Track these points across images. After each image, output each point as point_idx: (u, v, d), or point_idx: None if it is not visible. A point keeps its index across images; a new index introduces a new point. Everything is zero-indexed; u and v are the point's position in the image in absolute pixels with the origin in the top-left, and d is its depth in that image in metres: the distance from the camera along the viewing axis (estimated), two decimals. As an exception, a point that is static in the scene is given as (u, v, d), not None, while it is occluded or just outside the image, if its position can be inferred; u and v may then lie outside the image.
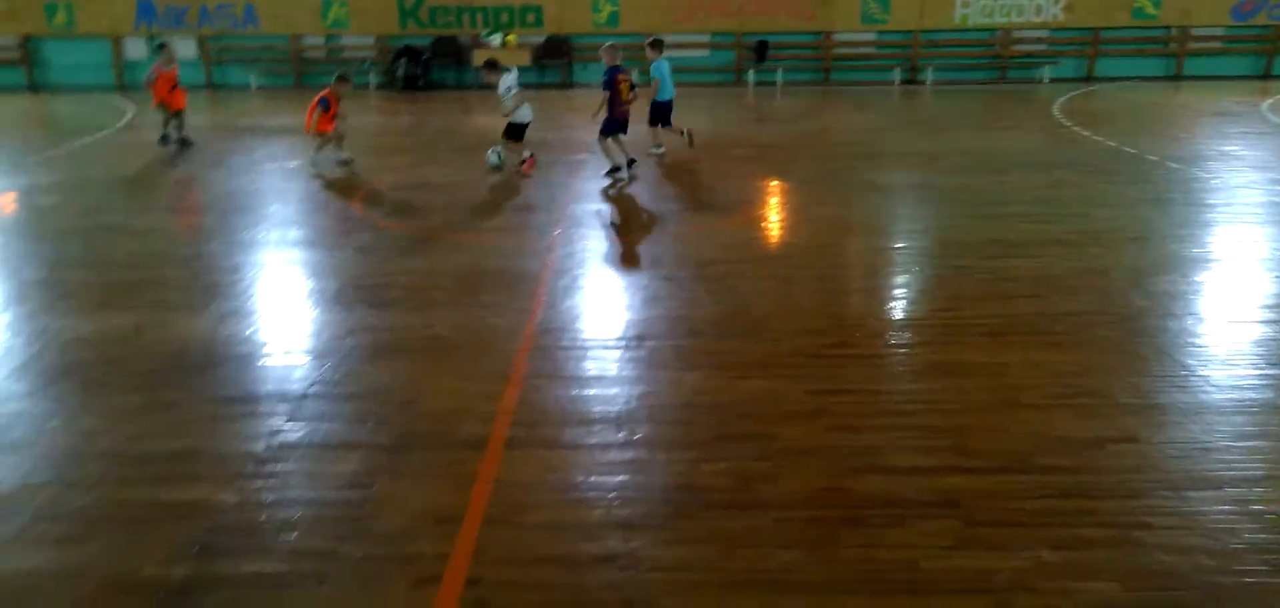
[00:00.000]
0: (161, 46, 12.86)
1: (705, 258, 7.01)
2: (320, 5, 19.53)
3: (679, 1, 19.91)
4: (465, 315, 5.81)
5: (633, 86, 10.32)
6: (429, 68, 19.64)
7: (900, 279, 6.66)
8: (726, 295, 6.15)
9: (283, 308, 6.05)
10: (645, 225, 8.22)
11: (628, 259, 7.09)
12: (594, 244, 7.47)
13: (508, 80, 10.31)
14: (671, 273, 6.64)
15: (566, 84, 19.94)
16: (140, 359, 5.11)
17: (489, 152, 10.81)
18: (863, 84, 19.91)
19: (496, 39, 19.77)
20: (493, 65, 10.48)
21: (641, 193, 9.55)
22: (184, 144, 12.35)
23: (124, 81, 19.58)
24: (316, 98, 10.64)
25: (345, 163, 10.84)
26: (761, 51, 20.23)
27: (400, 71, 19.42)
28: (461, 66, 19.94)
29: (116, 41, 19.53)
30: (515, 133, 10.50)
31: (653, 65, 11.44)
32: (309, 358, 5.12)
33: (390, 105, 17.32)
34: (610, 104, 10.26)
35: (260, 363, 5.07)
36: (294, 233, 8.01)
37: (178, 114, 12.34)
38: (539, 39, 19.95)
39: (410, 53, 19.45)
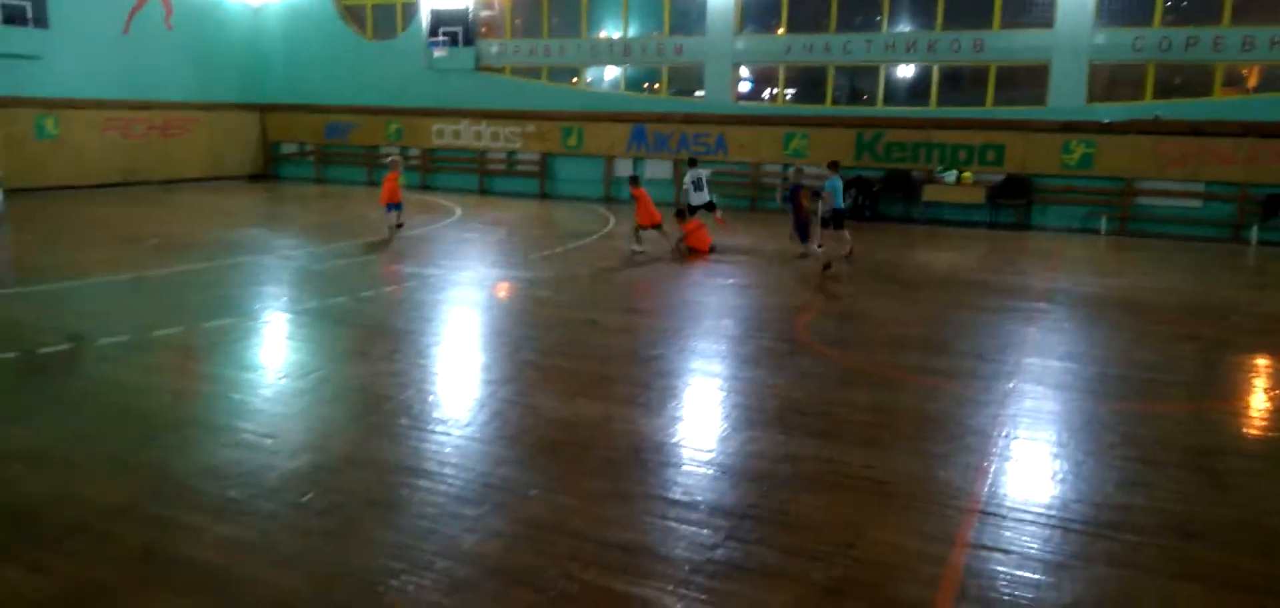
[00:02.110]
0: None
1: (1203, 445, 5.86)
2: (783, 138, 20.83)
3: (1169, 148, 17.65)
4: (908, 461, 5.50)
5: (815, 194, 13.60)
6: (877, 199, 19.78)
7: None
8: (1240, 499, 5.04)
9: (726, 420, 6.29)
10: (1119, 394, 7.16)
11: (1096, 429, 6.19)
12: (1051, 403, 6.68)
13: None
14: (1154, 456, 5.64)
15: (1022, 225, 18.67)
16: (606, 448, 5.63)
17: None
18: None
19: (951, 176, 19.38)
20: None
21: (1118, 359, 8.39)
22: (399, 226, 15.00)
23: (610, 193, 22.70)
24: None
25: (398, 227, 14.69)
26: (1272, 207, 16.99)
27: (848, 202, 19.82)
28: (910, 201, 19.76)
29: (608, 160, 22.78)
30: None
31: (827, 181, 14.13)
32: (749, 477, 5.21)
33: (835, 233, 17.68)
34: (795, 212, 13.69)
35: (705, 472, 5.28)
36: (740, 348, 8.39)
37: (395, 207, 14.77)
38: (998, 177, 19.04)
39: (861, 184, 19.78)
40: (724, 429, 6.08)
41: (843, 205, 14.46)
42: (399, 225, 15.05)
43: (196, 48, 24.38)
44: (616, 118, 22.61)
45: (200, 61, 24.56)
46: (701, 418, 6.37)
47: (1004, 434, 6.00)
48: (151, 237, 14.33)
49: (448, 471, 5.24)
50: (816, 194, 13.81)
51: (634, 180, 15.34)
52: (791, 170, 14.87)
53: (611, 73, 24.29)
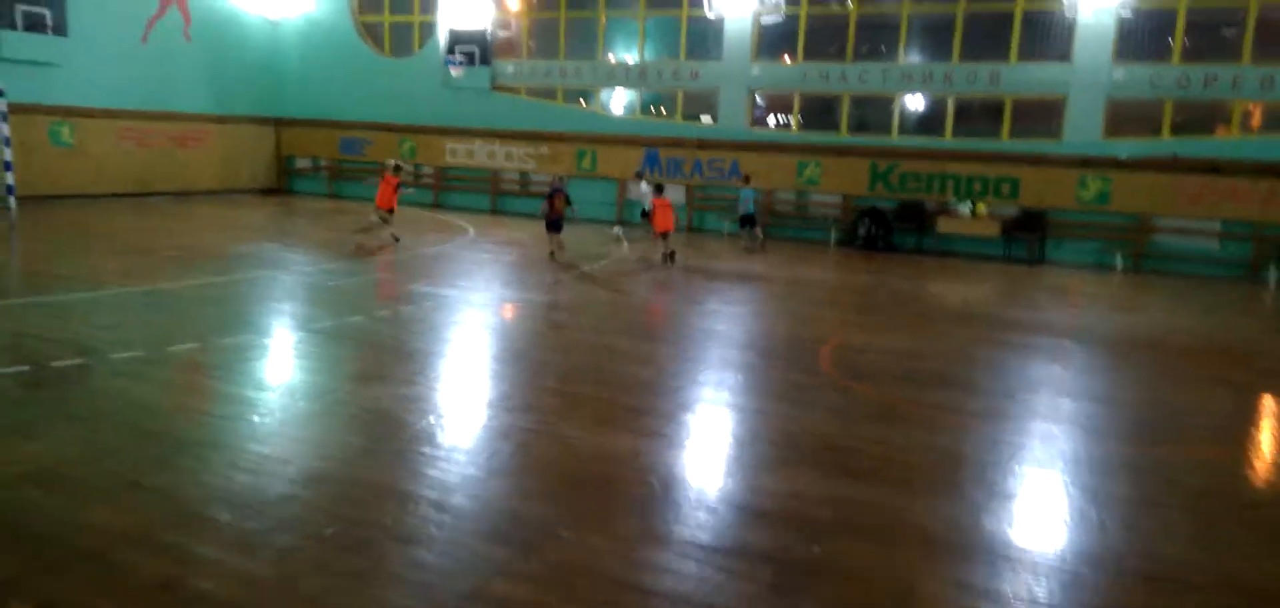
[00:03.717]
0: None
1: (1251, 497, 5.67)
2: (796, 165, 20.74)
3: (1186, 185, 17.53)
4: (950, 505, 5.33)
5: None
6: (892, 230, 19.66)
7: None
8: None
9: (759, 457, 6.12)
10: (1156, 438, 6.98)
11: (1140, 475, 6.01)
12: (1089, 447, 6.50)
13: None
14: (1203, 507, 5.46)
15: (1036, 259, 18.52)
16: (637, 484, 5.47)
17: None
18: None
19: (965, 208, 19.25)
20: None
21: (1150, 402, 8.22)
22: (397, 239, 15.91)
23: (623, 217, 22.60)
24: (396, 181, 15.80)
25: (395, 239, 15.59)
26: (1291, 247, 16.84)
27: (862, 231, 19.72)
28: (923, 232, 19.63)
29: (621, 184, 22.69)
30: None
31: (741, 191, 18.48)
32: (789, 520, 5.04)
33: (847, 262, 17.58)
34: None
35: (743, 514, 5.11)
36: (766, 379, 8.24)
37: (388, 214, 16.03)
38: (1012, 211, 18.92)
39: (874, 214, 19.68)
40: (758, 467, 5.91)
41: (752, 212, 18.46)
42: (396, 239, 15.88)
43: (214, 60, 24.42)
44: (630, 141, 22.56)
45: (217, 74, 24.59)
46: (734, 454, 6.20)
47: (1046, 480, 5.83)
48: (168, 248, 14.23)
49: (474, 505, 5.08)
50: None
51: (659, 189, 16.67)
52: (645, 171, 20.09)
53: (623, 96, 24.29)
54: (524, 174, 23.93)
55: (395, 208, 16.24)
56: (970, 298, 14.10)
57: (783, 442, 6.44)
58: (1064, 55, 18.68)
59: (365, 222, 17.35)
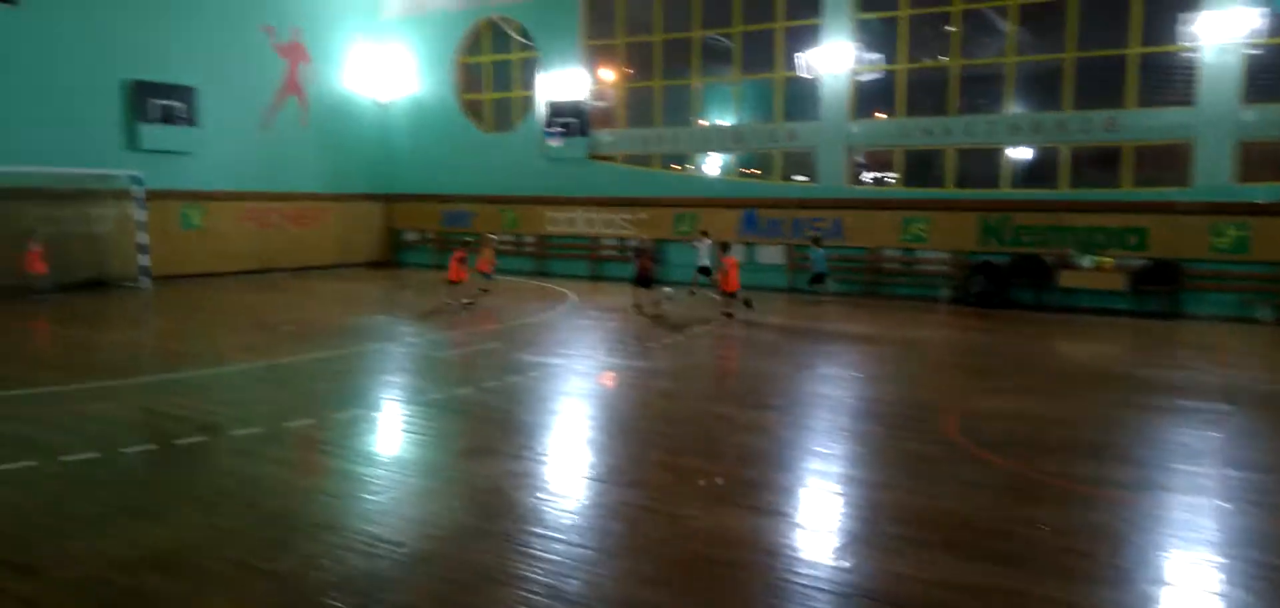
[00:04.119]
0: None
1: None
2: (901, 222, 20.11)
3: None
4: (1116, 594, 4.76)
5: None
6: (1007, 285, 18.74)
7: None
8: None
9: (893, 540, 5.66)
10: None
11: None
12: (1270, 526, 5.78)
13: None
14: None
15: (1171, 313, 17.27)
16: (762, 571, 5.12)
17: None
18: None
19: (1088, 261, 18.20)
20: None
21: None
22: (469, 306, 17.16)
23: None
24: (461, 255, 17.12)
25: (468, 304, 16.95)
26: None
27: (975, 288, 18.86)
28: (1041, 287, 18.64)
29: (721, 246, 22.44)
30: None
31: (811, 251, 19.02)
32: (928, 610, 4.60)
33: (961, 320, 16.78)
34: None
35: (887, 606, 4.70)
36: (889, 450, 7.75)
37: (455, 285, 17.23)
38: (1141, 262, 17.76)
39: (987, 269, 18.82)
40: (889, 551, 5.45)
41: (707, 263, 19.43)
42: (468, 302, 17.40)
43: (328, 141, 25.61)
44: (729, 204, 22.37)
45: (331, 154, 25.76)
46: (861, 535, 5.76)
47: (1220, 562, 5.18)
48: (285, 324, 14.73)
49: (588, 591, 4.82)
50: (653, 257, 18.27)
51: (725, 247, 17.74)
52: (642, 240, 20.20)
53: (719, 159, 24.18)
54: (622, 240, 24.00)
55: (465, 278, 17.58)
56: (1104, 356, 13.17)
57: (914, 520, 5.96)
58: (1187, 98, 17.61)
59: (470, 293, 17.63)
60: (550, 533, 5.63)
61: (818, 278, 18.95)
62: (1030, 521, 5.91)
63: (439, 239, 26.91)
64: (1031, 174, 20.14)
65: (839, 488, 6.73)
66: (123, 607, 4.60)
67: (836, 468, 7.23)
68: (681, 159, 24.25)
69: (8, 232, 18.57)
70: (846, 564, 5.22)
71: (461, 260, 17.45)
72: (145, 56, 20.95)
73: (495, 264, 19.94)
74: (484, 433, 8.21)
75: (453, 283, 17.39)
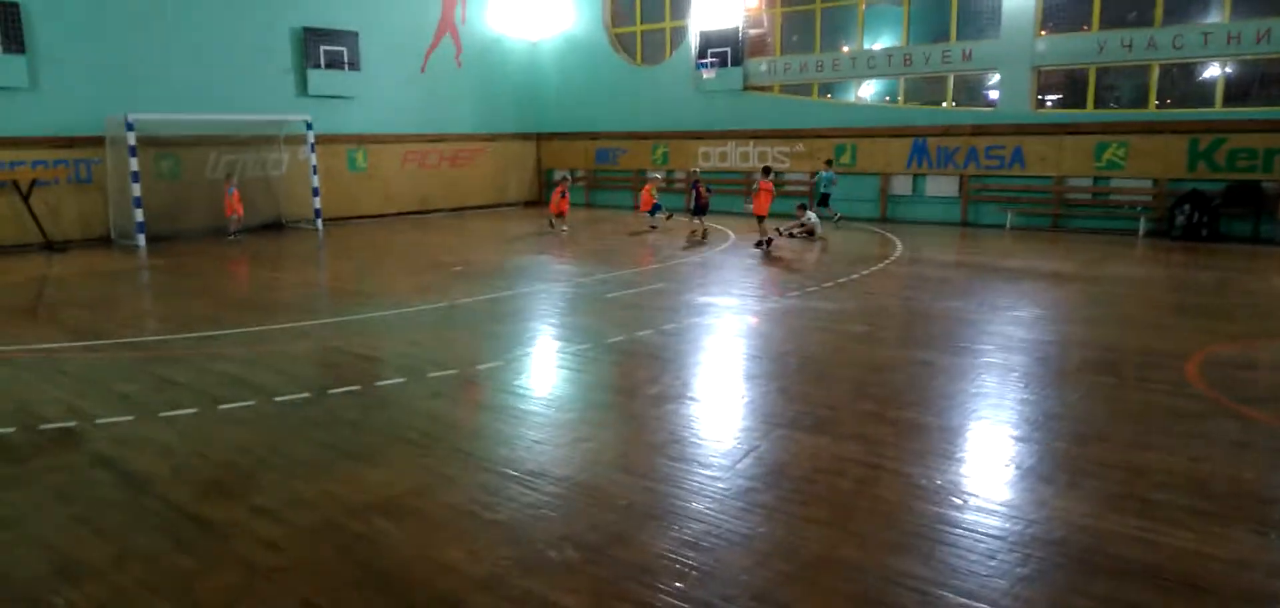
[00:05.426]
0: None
1: None
2: (1094, 148, 18.37)
3: None
4: None
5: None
6: (1218, 216, 16.84)
7: None
8: None
9: (1166, 506, 4.94)
10: None
11: None
12: None
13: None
14: None
15: None
16: (1018, 540, 4.54)
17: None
18: None
19: (1320, 186, 16.07)
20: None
21: None
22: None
23: (887, 215, 21.22)
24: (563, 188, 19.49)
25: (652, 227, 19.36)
26: None
27: (1180, 219, 17.05)
28: (1259, 217, 16.66)
29: (885, 178, 21.31)
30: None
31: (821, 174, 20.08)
32: (1244, 599, 3.91)
33: (1167, 256, 15.19)
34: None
35: (1193, 593, 4.04)
36: (1128, 402, 6.90)
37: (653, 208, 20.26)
38: (1387, 187, 15.54)
39: (1196, 198, 16.95)
40: (1171, 525, 4.73)
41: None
42: (653, 227, 19.81)
43: (482, 82, 25.88)
44: (895, 133, 21.12)
45: (484, 95, 26.04)
46: (1134, 506, 5.03)
47: None
48: (456, 264, 14.94)
49: (829, 554, 4.39)
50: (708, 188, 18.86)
51: (765, 171, 17.48)
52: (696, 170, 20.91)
53: (870, 88, 22.86)
54: (779, 174, 23.15)
55: (564, 211, 19.78)
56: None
57: (1191, 489, 5.19)
58: None
59: (636, 227, 17.45)
60: (784, 499, 5.23)
61: (823, 199, 19.81)
62: (1344, 496, 5.04)
63: (589, 177, 26.87)
64: (1255, 90, 17.92)
65: (1085, 450, 5.98)
66: (360, 553, 4.52)
67: (1077, 426, 6.45)
68: (841, 87, 23.08)
69: (201, 178, 19.75)
70: (1123, 541, 4.55)
71: (563, 193, 19.54)
72: (313, 4, 21.61)
73: (656, 201, 20.18)
74: (679, 378, 7.89)
75: (557, 216, 19.41)
